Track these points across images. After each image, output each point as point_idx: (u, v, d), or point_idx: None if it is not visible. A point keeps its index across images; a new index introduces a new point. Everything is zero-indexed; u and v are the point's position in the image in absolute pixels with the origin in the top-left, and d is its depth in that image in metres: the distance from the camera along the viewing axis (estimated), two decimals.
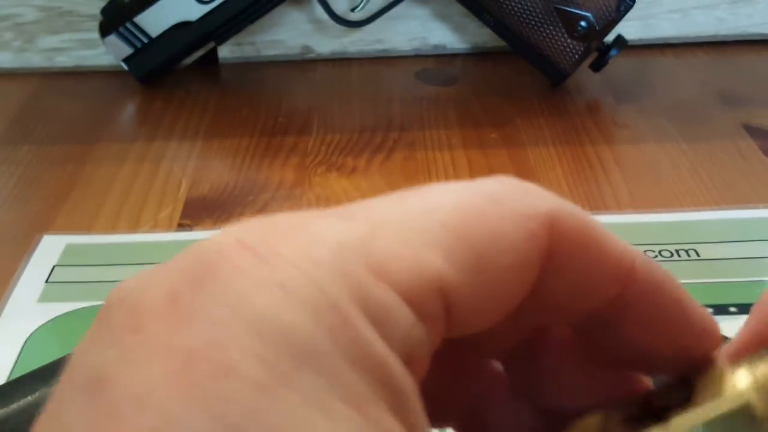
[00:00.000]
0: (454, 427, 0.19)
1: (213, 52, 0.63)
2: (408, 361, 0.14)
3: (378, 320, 0.14)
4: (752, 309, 0.17)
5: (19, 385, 0.28)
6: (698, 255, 0.41)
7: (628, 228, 0.43)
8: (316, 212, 0.16)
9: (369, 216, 0.16)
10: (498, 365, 0.19)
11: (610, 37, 0.56)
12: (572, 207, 0.16)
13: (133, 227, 0.45)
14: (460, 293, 0.15)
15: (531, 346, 0.19)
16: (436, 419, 0.17)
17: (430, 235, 0.15)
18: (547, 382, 0.19)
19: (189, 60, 0.60)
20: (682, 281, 0.41)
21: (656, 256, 0.40)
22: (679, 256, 0.40)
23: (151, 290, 0.14)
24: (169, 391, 0.13)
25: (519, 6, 0.55)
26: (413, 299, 0.15)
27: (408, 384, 0.14)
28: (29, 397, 0.27)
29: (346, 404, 0.13)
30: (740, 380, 0.16)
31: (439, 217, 0.15)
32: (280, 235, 0.15)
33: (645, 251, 0.41)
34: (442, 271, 0.15)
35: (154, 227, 0.45)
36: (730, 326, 0.35)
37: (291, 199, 0.47)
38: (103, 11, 0.58)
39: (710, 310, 0.37)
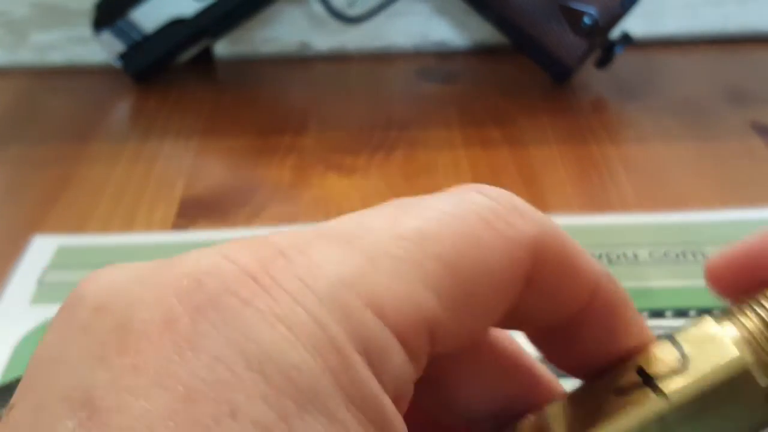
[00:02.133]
0: None
1: (208, 48, 0.63)
2: (396, 399, 0.15)
3: (374, 360, 0.14)
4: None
5: (11, 389, 0.28)
6: (704, 257, 0.40)
7: (633, 229, 0.42)
8: (312, 231, 0.16)
9: (365, 241, 0.16)
10: None
11: (615, 34, 0.56)
12: (555, 226, 0.17)
13: (128, 228, 0.45)
14: (446, 328, 0.16)
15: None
16: None
17: (425, 271, 0.15)
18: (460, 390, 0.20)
19: (184, 57, 0.60)
20: (689, 283, 0.41)
21: (662, 258, 0.40)
22: (685, 257, 0.40)
23: (142, 310, 0.14)
24: (168, 428, 0.13)
25: (522, 2, 0.54)
26: (406, 339, 0.15)
27: (398, 422, 0.15)
28: None
29: None
30: (732, 338, 0.17)
31: (435, 249, 0.16)
32: (281, 262, 0.15)
33: (650, 252, 0.40)
34: (435, 311, 0.15)
35: (149, 228, 0.44)
36: None
37: (288, 199, 0.47)
38: (97, 6, 0.58)
39: (718, 312, 0.36)
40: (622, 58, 0.56)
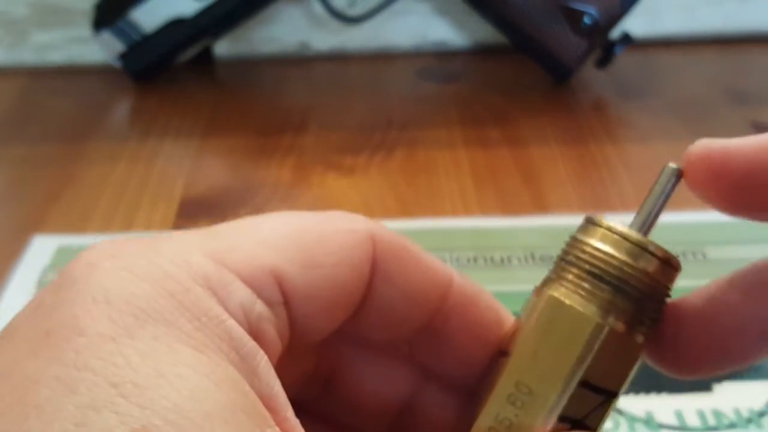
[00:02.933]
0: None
1: (208, 48, 0.63)
2: (255, 335, 0.17)
3: (216, 290, 0.16)
4: None
5: None
6: (705, 257, 0.40)
7: None
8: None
9: (208, 231, 0.18)
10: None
11: (615, 34, 0.56)
12: (393, 232, 0.20)
13: (127, 228, 0.44)
14: (294, 283, 0.18)
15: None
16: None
17: (263, 236, 0.18)
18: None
19: (184, 57, 0.60)
20: (690, 283, 0.41)
21: None
22: (686, 257, 0.40)
23: (21, 311, 0.17)
24: (30, 358, 0.15)
25: (521, 2, 0.54)
26: (249, 280, 0.17)
27: (256, 351, 0.16)
28: None
29: (188, 347, 0.15)
30: (551, 292, 0.19)
31: (270, 224, 0.18)
32: (131, 241, 0.17)
33: None
34: (275, 262, 0.17)
35: (149, 228, 0.44)
36: None
37: (289, 199, 0.46)
38: (97, 6, 0.58)
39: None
40: (622, 58, 0.56)
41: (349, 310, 0.19)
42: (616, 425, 0.31)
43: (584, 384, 0.18)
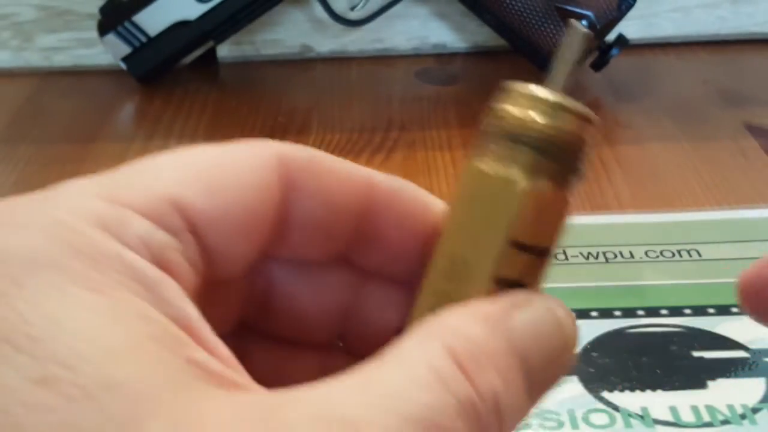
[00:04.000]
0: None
1: (212, 51, 0.63)
2: (161, 264, 0.16)
3: (111, 229, 0.16)
4: None
5: None
6: (700, 255, 0.40)
7: (629, 228, 0.43)
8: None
9: (105, 174, 0.17)
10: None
11: (611, 37, 0.56)
12: (301, 147, 0.19)
13: None
14: (198, 209, 0.17)
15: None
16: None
17: (160, 169, 0.17)
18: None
19: (188, 59, 0.60)
20: (684, 281, 0.41)
21: (658, 256, 0.40)
22: (680, 256, 0.40)
23: None
24: None
25: (519, 4, 0.55)
26: (146, 212, 0.16)
27: (161, 279, 0.16)
28: None
29: (84, 288, 0.15)
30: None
31: (169, 158, 0.18)
32: (24, 197, 0.17)
33: (646, 251, 0.41)
34: (174, 191, 0.17)
35: None
36: (732, 327, 0.35)
37: None
38: (102, 10, 0.58)
39: (712, 310, 0.37)
40: (618, 61, 0.57)
41: (265, 232, 0.19)
42: (612, 421, 0.31)
43: (515, 244, 0.18)
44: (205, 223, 0.17)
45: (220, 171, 0.18)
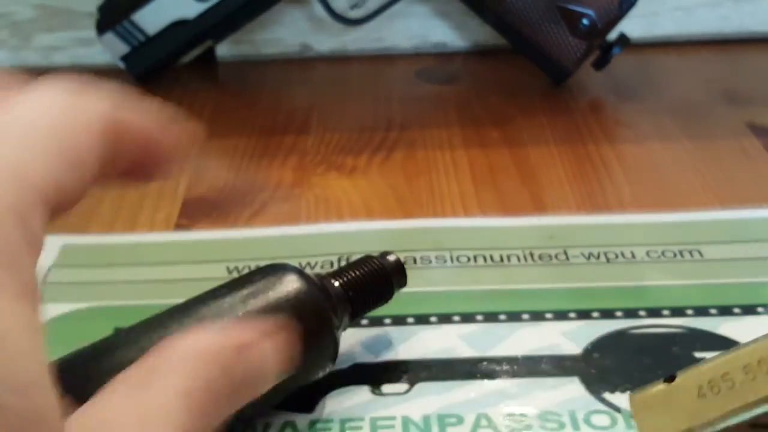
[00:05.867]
0: None
1: (211, 50, 0.63)
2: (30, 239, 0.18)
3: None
4: None
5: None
6: (702, 255, 0.40)
7: (630, 228, 0.43)
8: None
9: None
10: None
11: (612, 35, 0.56)
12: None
13: (131, 228, 0.45)
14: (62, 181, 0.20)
15: None
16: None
17: (42, 151, 0.20)
18: None
19: (187, 58, 0.60)
20: (686, 282, 0.41)
21: (660, 257, 0.40)
22: (682, 256, 0.40)
23: None
24: None
25: (520, 4, 0.55)
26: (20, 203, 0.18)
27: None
28: None
29: (24, 301, 0.16)
30: None
31: (37, 141, 0.20)
32: None
33: (648, 252, 0.40)
34: (29, 172, 0.19)
35: (152, 228, 0.45)
36: (734, 328, 0.35)
37: (290, 198, 0.47)
38: (100, 9, 0.58)
39: (714, 311, 0.37)
40: (620, 60, 0.57)
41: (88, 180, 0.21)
42: (614, 422, 0.31)
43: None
44: (54, 190, 0.19)
45: (67, 152, 0.20)
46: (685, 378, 0.21)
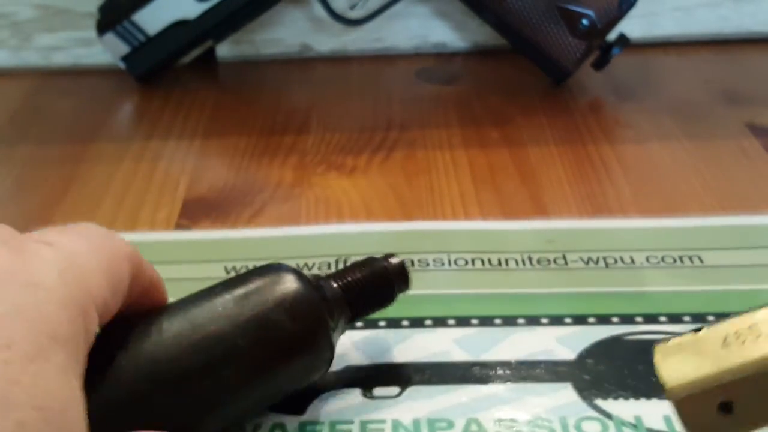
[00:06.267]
0: None
1: (211, 50, 0.63)
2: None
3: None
4: None
5: None
6: (702, 262, 0.40)
7: (630, 233, 0.42)
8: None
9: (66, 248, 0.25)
10: None
11: (612, 36, 0.56)
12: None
13: (131, 227, 0.45)
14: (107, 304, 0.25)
15: None
16: None
17: (99, 272, 0.25)
18: None
19: (187, 58, 0.60)
20: (685, 288, 0.40)
21: (659, 262, 0.40)
22: (682, 262, 0.40)
23: None
24: None
25: (520, 4, 0.55)
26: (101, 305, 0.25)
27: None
28: None
29: (79, 380, 0.21)
30: None
31: (97, 263, 0.25)
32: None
33: (647, 257, 0.40)
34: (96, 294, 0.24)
35: (152, 227, 0.45)
36: None
37: (290, 198, 0.47)
38: (101, 9, 0.58)
39: (712, 318, 0.36)
40: (619, 60, 0.57)
41: (120, 303, 0.27)
42: (605, 429, 0.31)
43: None
44: (101, 304, 0.25)
45: (113, 277, 0.26)
46: (711, 329, 0.22)
